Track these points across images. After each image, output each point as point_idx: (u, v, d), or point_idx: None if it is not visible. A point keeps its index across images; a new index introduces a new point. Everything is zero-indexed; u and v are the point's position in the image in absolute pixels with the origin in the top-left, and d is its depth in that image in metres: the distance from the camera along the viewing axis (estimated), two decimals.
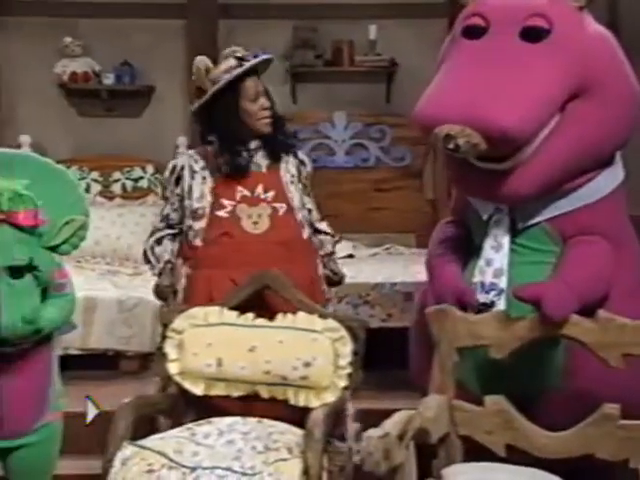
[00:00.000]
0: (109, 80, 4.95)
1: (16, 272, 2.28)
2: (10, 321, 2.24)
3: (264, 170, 2.76)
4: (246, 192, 2.72)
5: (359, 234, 4.75)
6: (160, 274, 2.81)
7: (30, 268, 2.31)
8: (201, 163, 2.76)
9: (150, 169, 4.99)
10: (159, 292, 2.84)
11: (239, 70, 2.70)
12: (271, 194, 2.73)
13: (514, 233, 2.40)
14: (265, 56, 2.78)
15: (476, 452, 2.15)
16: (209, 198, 2.72)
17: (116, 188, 4.98)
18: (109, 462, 2.13)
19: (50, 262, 2.41)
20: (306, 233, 2.78)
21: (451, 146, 2.18)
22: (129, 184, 4.99)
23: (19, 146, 4.57)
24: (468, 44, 2.37)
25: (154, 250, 2.82)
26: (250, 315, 2.53)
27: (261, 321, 2.51)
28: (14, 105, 4.94)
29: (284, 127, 2.82)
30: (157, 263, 2.81)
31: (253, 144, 2.75)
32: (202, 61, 2.75)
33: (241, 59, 2.73)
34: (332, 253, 2.90)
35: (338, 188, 4.86)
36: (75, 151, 4.98)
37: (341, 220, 4.77)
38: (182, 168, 2.78)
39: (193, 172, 2.76)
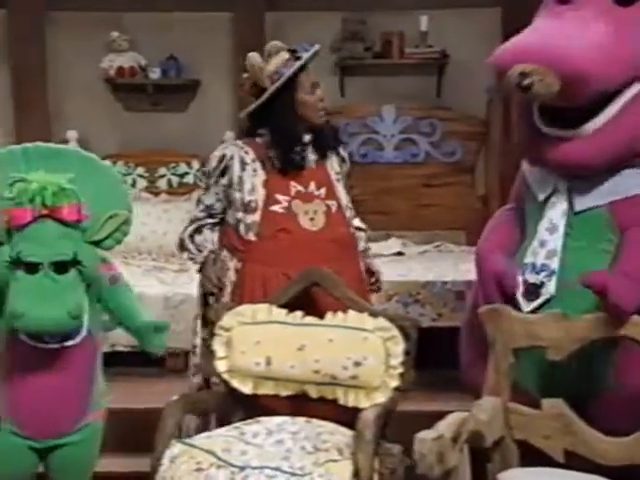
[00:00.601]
0: (155, 74, 5.01)
1: (61, 267, 2.33)
2: (55, 316, 2.28)
3: (313, 165, 2.78)
4: (300, 188, 2.72)
5: (408, 231, 4.74)
6: (203, 264, 2.80)
7: (74, 263, 2.36)
8: (252, 155, 2.75)
9: (196, 164, 5.05)
10: (206, 283, 2.81)
11: (298, 63, 2.70)
12: (323, 190, 2.74)
13: (571, 217, 2.39)
14: (317, 47, 2.77)
15: (532, 457, 2.13)
16: (261, 191, 2.72)
17: (162, 184, 5.05)
18: (158, 460, 2.16)
19: (94, 257, 2.46)
20: (352, 229, 2.81)
21: (525, 82, 2.19)
22: (175, 180, 5.06)
23: (66, 141, 4.67)
24: (557, 7, 2.37)
25: (193, 239, 2.81)
26: (299, 313, 2.54)
27: (310, 319, 2.52)
28: (61, 100, 5.03)
29: (331, 121, 2.84)
30: (198, 252, 2.80)
31: (306, 138, 2.77)
32: (255, 57, 2.75)
33: (293, 52, 2.74)
34: (367, 249, 2.91)
35: (387, 184, 4.85)
36: (121, 146, 5.06)
37: (390, 217, 4.79)
38: (231, 158, 2.75)
39: (244, 163, 2.74)
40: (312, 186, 2.74)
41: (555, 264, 2.34)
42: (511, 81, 2.22)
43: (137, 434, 3.12)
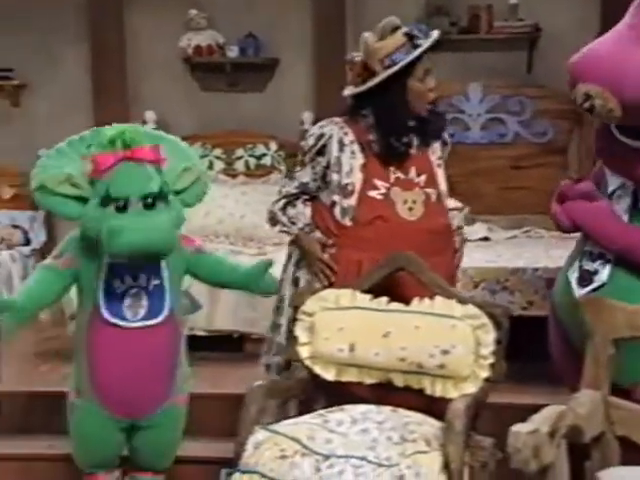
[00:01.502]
0: (233, 53, 5.07)
1: (149, 205, 2.40)
2: (151, 236, 2.35)
3: (415, 151, 2.73)
4: (400, 174, 2.69)
5: (495, 215, 4.66)
6: (296, 237, 2.78)
7: (162, 197, 2.43)
8: (351, 136, 2.72)
9: (273, 146, 5.09)
10: (308, 258, 2.78)
11: (416, 53, 2.62)
12: (423, 178, 2.70)
13: (634, 213, 2.49)
14: (436, 35, 2.67)
15: (635, 455, 2.08)
16: (359, 175, 2.70)
17: (239, 165, 5.11)
18: (241, 446, 2.19)
19: (178, 204, 2.53)
20: (448, 220, 2.76)
21: (587, 105, 2.36)
22: (252, 161, 5.11)
23: (144, 123, 4.78)
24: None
25: (286, 211, 2.80)
26: (384, 299, 2.54)
27: (396, 305, 2.51)
28: (139, 80, 5.15)
29: (437, 107, 2.77)
30: (292, 224, 2.79)
31: (411, 124, 2.71)
32: (370, 37, 2.67)
33: (410, 36, 2.65)
34: (460, 228, 2.83)
35: (473, 166, 4.78)
36: (198, 127, 5.14)
37: (476, 200, 4.68)
38: (330, 137, 2.73)
39: (342, 144, 2.71)
40: (412, 173, 2.70)
41: (611, 255, 2.48)
42: (577, 98, 2.39)
43: (218, 419, 3.19)
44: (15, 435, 3.18)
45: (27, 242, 4.92)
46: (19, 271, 4.73)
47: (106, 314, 2.49)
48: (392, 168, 2.69)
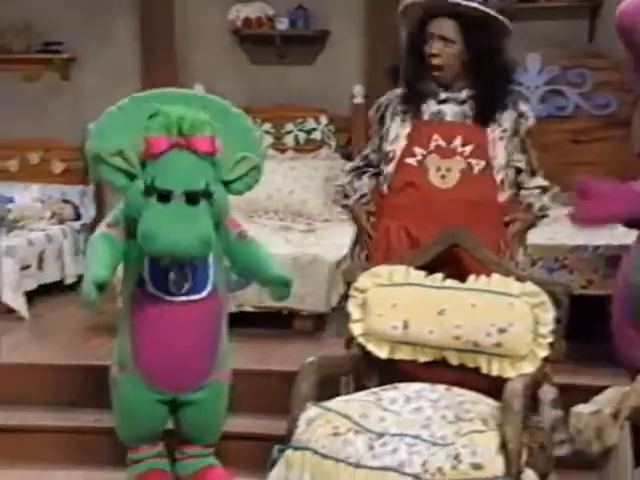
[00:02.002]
0: (282, 25, 5.05)
1: (192, 198, 2.42)
2: (187, 239, 2.38)
3: (470, 122, 2.70)
4: (442, 142, 2.68)
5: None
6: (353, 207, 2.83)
7: (206, 195, 2.44)
8: (405, 105, 2.75)
9: (324, 120, 5.07)
10: (357, 227, 2.85)
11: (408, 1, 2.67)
12: (469, 148, 2.67)
13: None
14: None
15: None
16: (403, 142, 2.71)
17: (288, 140, 5.11)
18: (294, 422, 2.21)
19: (224, 195, 2.54)
20: (504, 196, 2.69)
21: None
22: (302, 136, 5.10)
23: None
24: None
25: (353, 184, 2.85)
26: (439, 276, 2.52)
27: (451, 282, 2.49)
28: (188, 52, 5.16)
29: (506, 77, 2.72)
30: (353, 195, 2.85)
31: (464, 93, 2.70)
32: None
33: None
34: (544, 207, 2.77)
35: (530, 140, 4.68)
36: (247, 101, 5.11)
37: None
38: (385, 107, 2.78)
39: (394, 113, 2.75)
40: (457, 142, 2.67)
41: None
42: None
43: (267, 396, 3.22)
44: (65, 408, 3.25)
45: (78, 217, 4.99)
46: (70, 246, 4.81)
47: (151, 288, 2.53)
48: (436, 136, 2.68)
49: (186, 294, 2.55)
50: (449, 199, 2.63)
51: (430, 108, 2.72)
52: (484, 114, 2.70)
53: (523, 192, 2.75)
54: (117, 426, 2.73)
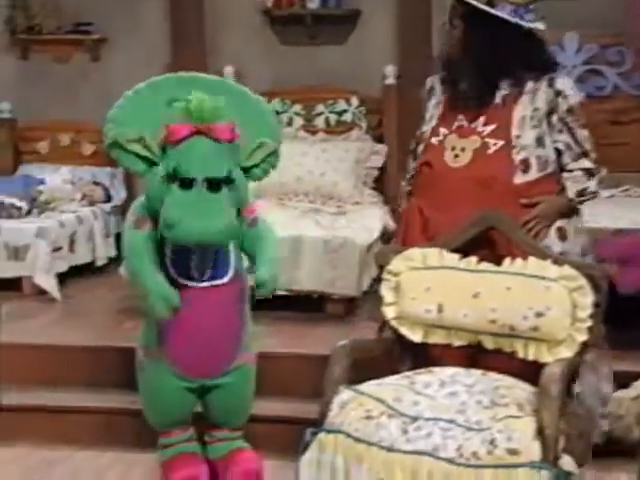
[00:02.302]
0: (313, 4, 5.01)
1: (214, 186, 2.41)
2: (208, 227, 2.37)
3: (498, 100, 2.66)
4: (464, 122, 2.67)
5: None
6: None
7: (227, 182, 2.44)
8: (442, 86, 2.76)
9: (355, 101, 5.03)
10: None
11: None
12: (491, 128, 2.64)
13: None
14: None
15: None
16: (433, 123, 2.74)
17: (319, 122, 5.08)
18: (327, 406, 2.20)
19: (244, 183, 2.53)
20: (523, 177, 2.62)
21: None
22: (332, 118, 5.07)
23: (222, 76, 4.79)
24: None
25: (409, 166, 2.86)
26: (473, 258, 2.50)
27: (486, 265, 2.47)
28: (218, 33, 5.14)
29: (530, 51, 2.68)
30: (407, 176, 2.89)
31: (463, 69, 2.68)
32: None
33: None
34: (585, 190, 2.67)
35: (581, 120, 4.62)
36: (277, 82, 5.12)
37: None
38: (430, 89, 2.82)
39: (434, 94, 2.78)
40: (479, 121, 2.66)
41: None
42: None
43: (297, 379, 3.23)
44: (98, 390, 3.28)
45: (108, 199, 5.02)
46: (101, 228, 4.85)
47: (173, 274, 2.54)
48: (460, 116, 2.68)
49: (209, 280, 2.56)
50: (459, 178, 2.61)
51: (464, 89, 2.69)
52: (514, 88, 2.65)
53: (564, 174, 2.68)
54: (145, 411, 2.74)
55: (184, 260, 2.53)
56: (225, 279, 2.58)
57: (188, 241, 2.41)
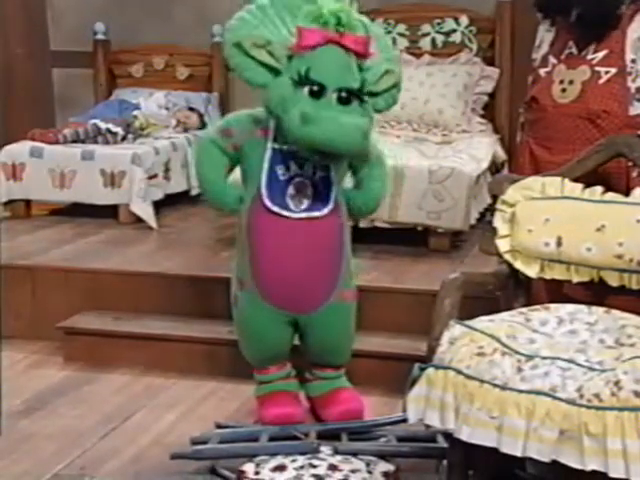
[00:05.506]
0: None
1: (345, 99, 2.37)
2: (348, 129, 2.34)
3: (613, 21, 2.53)
4: (574, 50, 2.57)
5: None
6: None
7: (359, 95, 2.39)
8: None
9: (464, 20, 4.89)
10: None
11: None
12: (601, 54, 2.53)
13: None
14: None
15: None
16: (544, 50, 2.63)
17: (425, 43, 4.97)
18: (436, 341, 2.19)
19: (371, 109, 2.48)
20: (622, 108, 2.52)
21: None
22: (439, 39, 4.95)
23: None
24: None
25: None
26: (598, 188, 2.41)
27: (613, 196, 2.38)
28: None
29: None
30: None
31: None
32: None
33: None
34: None
35: None
36: (380, 0, 5.01)
37: None
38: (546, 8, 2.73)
39: (546, 16, 2.68)
40: (591, 48, 2.55)
41: None
42: None
43: (399, 315, 3.24)
44: (199, 319, 3.37)
45: (203, 126, 5.07)
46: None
47: (268, 202, 2.51)
48: (571, 42, 2.57)
49: (306, 211, 2.54)
50: (565, 115, 2.54)
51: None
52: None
53: None
54: (241, 345, 2.77)
55: (281, 189, 2.52)
56: (324, 211, 2.56)
57: (322, 142, 2.34)
